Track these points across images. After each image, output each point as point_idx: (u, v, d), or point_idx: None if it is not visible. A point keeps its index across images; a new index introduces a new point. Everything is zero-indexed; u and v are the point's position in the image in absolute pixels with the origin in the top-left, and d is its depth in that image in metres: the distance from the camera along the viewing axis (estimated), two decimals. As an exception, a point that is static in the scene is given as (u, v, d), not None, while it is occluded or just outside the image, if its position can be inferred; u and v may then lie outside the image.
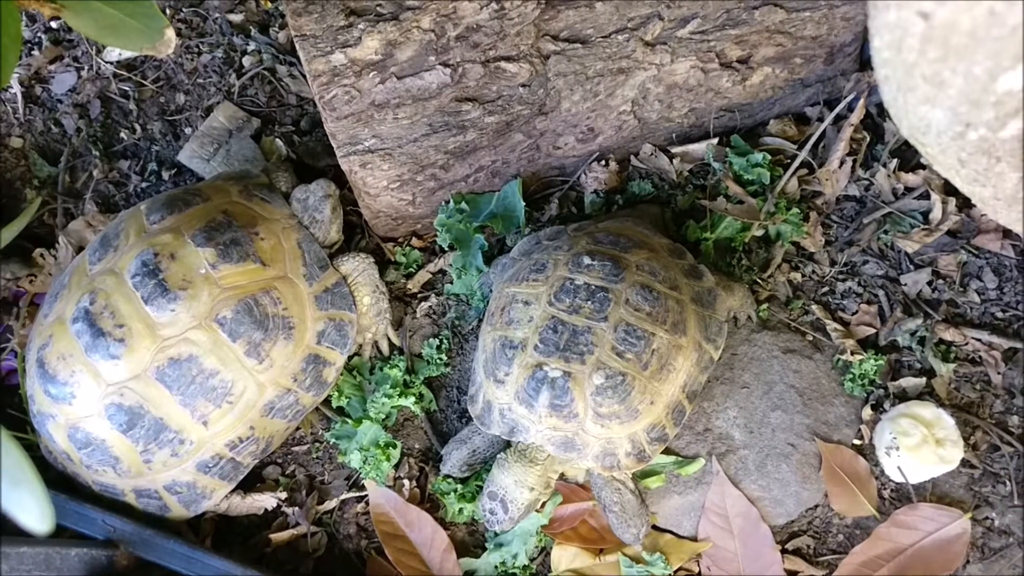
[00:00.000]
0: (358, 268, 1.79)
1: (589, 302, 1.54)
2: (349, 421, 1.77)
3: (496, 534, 1.69)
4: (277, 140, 2.04)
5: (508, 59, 1.67)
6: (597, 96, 1.79)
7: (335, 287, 1.74)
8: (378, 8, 1.57)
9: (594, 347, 1.51)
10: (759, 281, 1.81)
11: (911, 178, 1.85)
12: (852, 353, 1.72)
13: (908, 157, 1.88)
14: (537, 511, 1.64)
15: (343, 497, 1.77)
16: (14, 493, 0.85)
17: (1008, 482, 1.65)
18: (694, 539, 1.67)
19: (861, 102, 1.88)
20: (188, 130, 2.09)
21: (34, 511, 0.85)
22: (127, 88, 2.12)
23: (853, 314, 1.79)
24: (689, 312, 1.59)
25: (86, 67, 2.14)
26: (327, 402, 1.79)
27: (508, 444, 1.62)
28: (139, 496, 1.66)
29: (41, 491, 0.86)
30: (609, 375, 1.49)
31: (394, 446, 1.75)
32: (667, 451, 1.69)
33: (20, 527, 1.60)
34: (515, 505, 1.55)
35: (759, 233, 1.83)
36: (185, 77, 2.12)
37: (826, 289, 1.82)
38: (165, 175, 2.07)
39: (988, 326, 1.75)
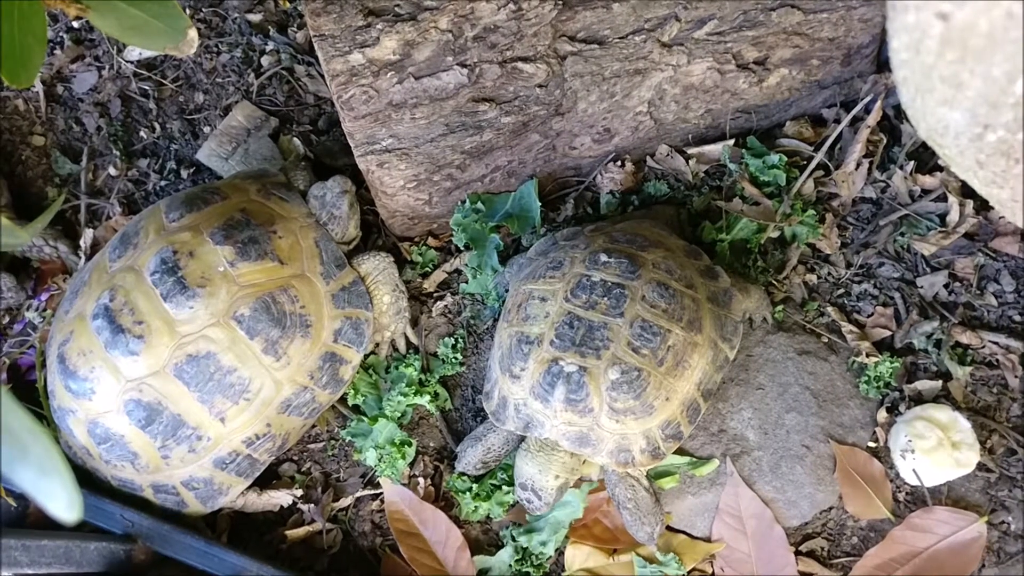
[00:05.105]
0: (378, 267, 1.80)
1: (605, 298, 1.54)
2: (365, 419, 1.78)
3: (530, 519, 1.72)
4: (295, 139, 2.06)
5: (525, 60, 1.68)
6: (613, 97, 1.79)
7: (352, 285, 1.75)
8: (396, 8, 1.58)
9: (610, 342, 1.51)
10: (774, 283, 1.81)
11: (928, 180, 1.85)
12: (867, 355, 1.72)
13: (925, 159, 1.87)
14: (574, 487, 1.66)
15: (358, 494, 1.78)
16: (43, 482, 0.86)
17: (1024, 486, 1.64)
18: (708, 540, 1.67)
19: (878, 104, 1.87)
20: (207, 129, 2.11)
21: (63, 500, 0.85)
22: (147, 87, 2.14)
23: (869, 316, 1.78)
24: (705, 311, 1.59)
25: (107, 66, 2.16)
26: (343, 400, 1.81)
27: (523, 440, 1.63)
28: (157, 491, 1.67)
29: (70, 480, 0.87)
30: (624, 370, 1.50)
31: (409, 444, 1.76)
32: (681, 451, 1.69)
33: (40, 522, 1.63)
34: (545, 492, 1.57)
35: (775, 235, 1.83)
36: (204, 76, 2.14)
37: (842, 291, 1.81)
38: (184, 173, 2.08)
39: (1005, 329, 1.74)
